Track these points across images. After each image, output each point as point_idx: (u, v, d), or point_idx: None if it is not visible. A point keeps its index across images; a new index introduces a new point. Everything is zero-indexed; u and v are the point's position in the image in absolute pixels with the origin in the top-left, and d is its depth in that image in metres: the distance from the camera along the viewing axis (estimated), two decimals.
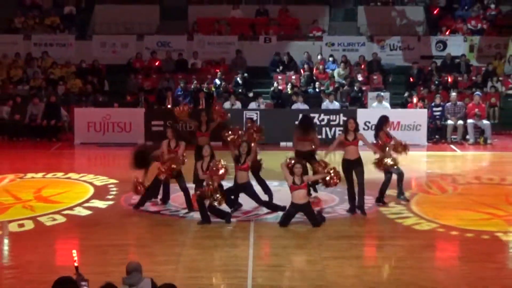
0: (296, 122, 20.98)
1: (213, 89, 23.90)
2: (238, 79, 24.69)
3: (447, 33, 27.11)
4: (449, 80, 24.77)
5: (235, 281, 10.14)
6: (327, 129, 21.32)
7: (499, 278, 10.41)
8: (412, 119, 21.52)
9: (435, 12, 28.01)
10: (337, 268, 10.70)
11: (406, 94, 24.31)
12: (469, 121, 22.09)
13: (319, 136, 18.93)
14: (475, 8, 27.97)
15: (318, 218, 12.93)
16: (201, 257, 11.15)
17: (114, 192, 15.23)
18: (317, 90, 24.36)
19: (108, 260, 10.83)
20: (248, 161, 13.35)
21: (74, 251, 7.12)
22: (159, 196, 14.31)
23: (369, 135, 20.76)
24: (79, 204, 14.29)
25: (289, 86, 24.11)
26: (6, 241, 12.31)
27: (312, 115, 20.95)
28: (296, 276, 10.47)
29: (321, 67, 25.19)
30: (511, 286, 10.07)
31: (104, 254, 11.15)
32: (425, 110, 22.12)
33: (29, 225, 12.93)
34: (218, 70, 25.00)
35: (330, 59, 25.69)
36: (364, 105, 23.29)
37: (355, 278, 10.32)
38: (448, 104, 22.58)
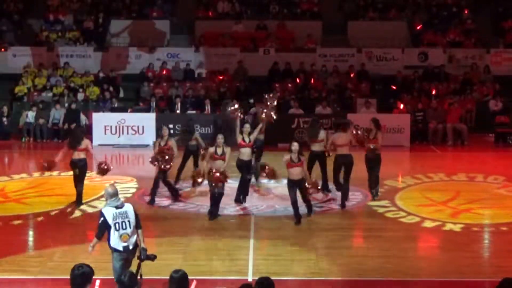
0: (293, 126, 21.23)
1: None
2: (239, 86, 24.70)
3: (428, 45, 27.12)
4: (430, 87, 24.76)
5: (237, 269, 10.17)
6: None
7: (474, 266, 10.45)
8: (396, 123, 21.58)
9: (417, 27, 27.99)
10: (329, 257, 10.72)
11: (391, 101, 24.29)
12: (448, 124, 22.12)
13: None
14: (453, 23, 27.94)
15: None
16: (206, 247, 11.17)
17: (128, 188, 15.25)
18: (311, 96, 24.38)
19: None
20: None
21: (98, 281, 6.66)
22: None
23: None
24: (97, 199, 14.26)
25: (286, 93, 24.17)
26: (31, 232, 12.34)
27: (306, 119, 20.98)
28: (293, 264, 10.50)
29: (314, 76, 25.21)
30: (483, 272, 10.11)
31: None
32: (408, 115, 22.13)
33: (50, 218, 12.95)
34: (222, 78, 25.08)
35: (323, 68, 25.69)
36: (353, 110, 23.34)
37: (345, 266, 10.35)
38: (429, 109, 22.63)
